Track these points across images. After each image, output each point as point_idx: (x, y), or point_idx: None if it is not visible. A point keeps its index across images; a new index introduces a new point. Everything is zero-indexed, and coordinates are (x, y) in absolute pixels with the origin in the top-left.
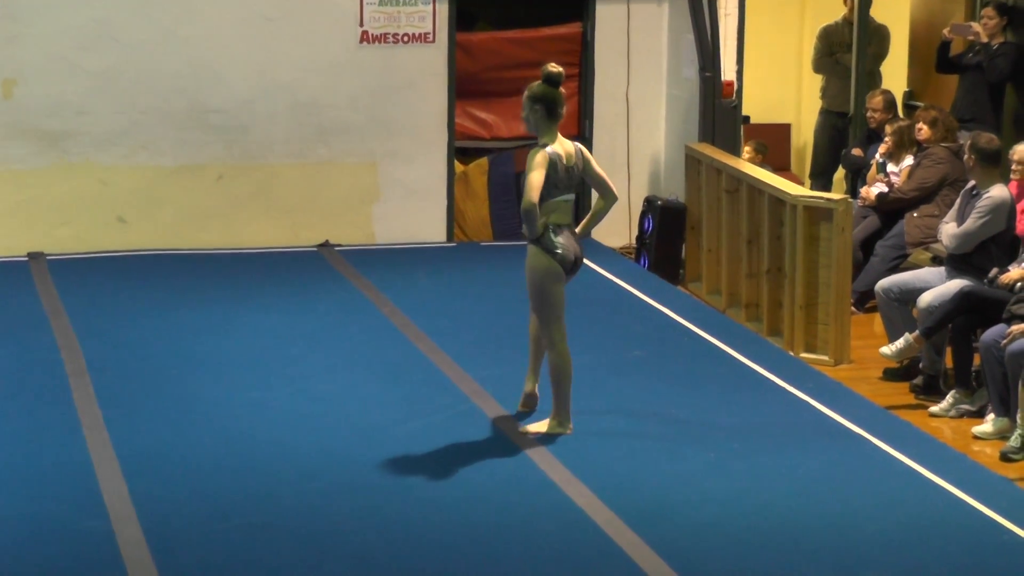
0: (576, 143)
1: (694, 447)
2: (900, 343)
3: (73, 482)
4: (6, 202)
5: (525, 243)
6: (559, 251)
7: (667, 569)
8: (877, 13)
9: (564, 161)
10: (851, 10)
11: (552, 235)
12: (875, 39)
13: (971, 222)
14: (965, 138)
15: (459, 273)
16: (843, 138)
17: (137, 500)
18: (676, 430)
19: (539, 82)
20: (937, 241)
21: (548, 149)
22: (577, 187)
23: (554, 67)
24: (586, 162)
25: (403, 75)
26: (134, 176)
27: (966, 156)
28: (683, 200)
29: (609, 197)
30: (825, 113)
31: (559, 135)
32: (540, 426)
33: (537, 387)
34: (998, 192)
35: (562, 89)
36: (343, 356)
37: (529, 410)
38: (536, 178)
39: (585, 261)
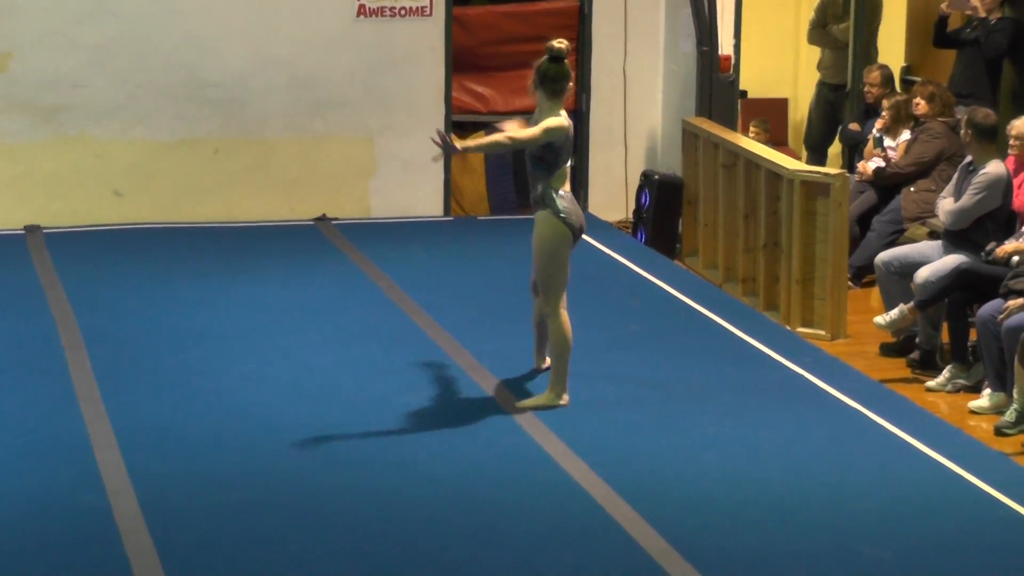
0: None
1: (690, 421)
2: (894, 313)
3: (69, 456)
4: (2, 176)
5: (521, 217)
6: (564, 215)
7: (663, 543)
8: None
9: (569, 132)
10: None
11: (559, 200)
12: (867, 10)
13: (967, 198)
14: (962, 113)
15: (456, 247)
16: (836, 111)
17: (134, 474)
18: (673, 404)
19: (545, 58)
20: (934, 216)
21: (563, 116)
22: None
23: (559, 43)
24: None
25: (400, 49)
26: (130, 150)
27: (963, 131)
28: (680, 174)
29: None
30: (820, 85)
31: (560, 106)
32: (536, 400)
33: (547, 360)
34: (994, 168)
35: (560, 66)
36: (340, 330)
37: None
38: (531, 132)
39: (583, 236)
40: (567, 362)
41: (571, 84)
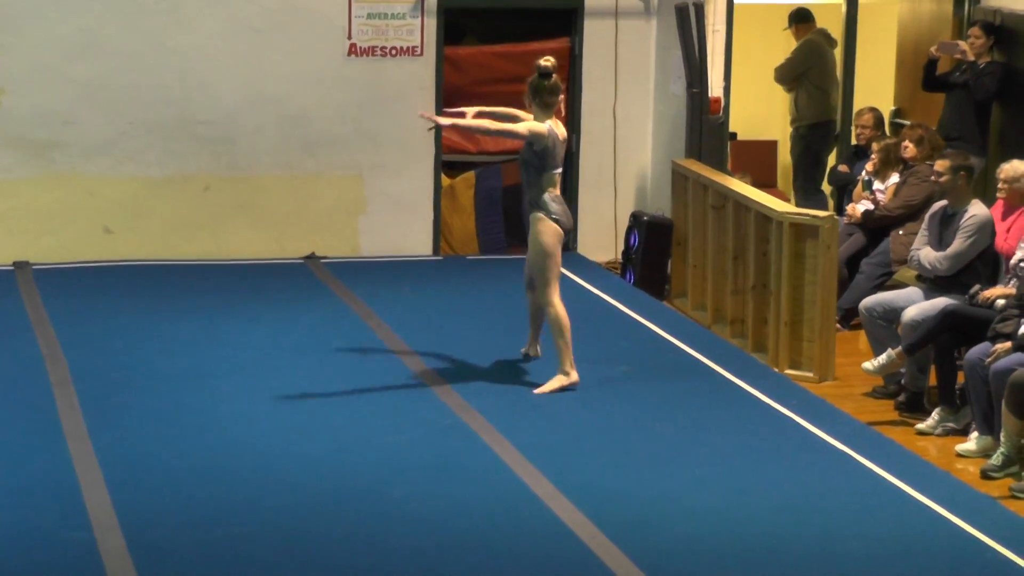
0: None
1: (678, 462)
2: (882, 358)
3: (56, 492)
4: None
5: (510, 257)
6: (555, 215)
7: None
8: (864, 29)
9: (560, 139)
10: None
11: (551, 203)
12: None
13: (960, 243)
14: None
15: (445, 287)
16: (817, 148)
17: (120, 510)
18: (660, 445)
19: (536, 75)
20: None
21: (547, 125)
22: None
23: (545, 60)
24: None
25: (391, 88)
26: (120, 186)
27: (947, 176)
28: (669, 216)
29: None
30: (800, 128)
31: (555, 119)
32: (550, 384)
33: (538, 347)
34: (980, 209)
35: (552, 80)
36: (328, 368)
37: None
38: (515, 126)
39: (571, 276)
40: (568, 342)
41: (562, 96)
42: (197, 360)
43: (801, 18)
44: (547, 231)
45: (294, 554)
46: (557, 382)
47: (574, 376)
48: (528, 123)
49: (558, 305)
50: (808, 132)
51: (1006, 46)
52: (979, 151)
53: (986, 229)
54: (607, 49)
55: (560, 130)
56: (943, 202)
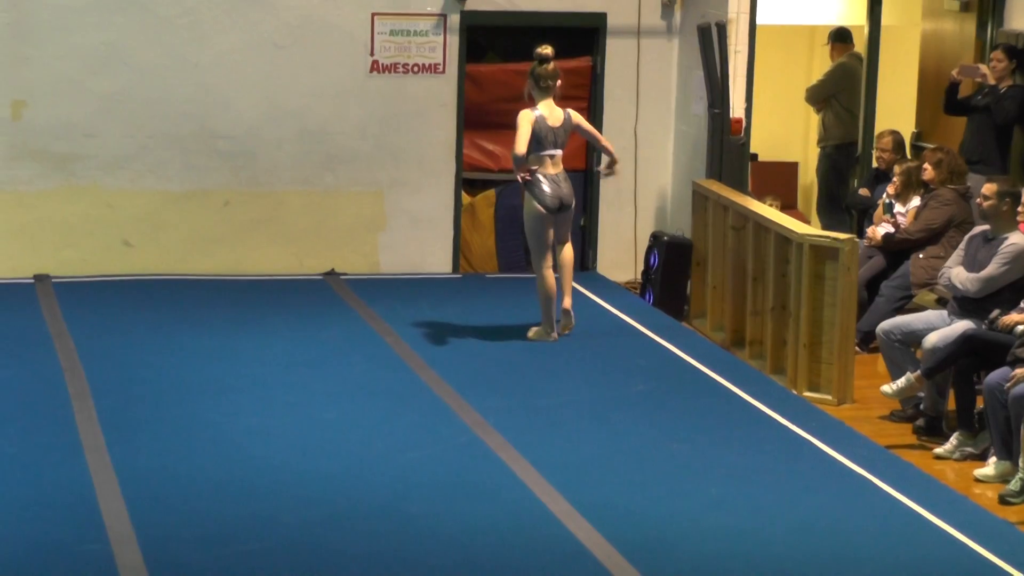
0: (568, 110)
1: (695, 483)
2: (901, 382)
3: (74, 504)
4: (13, 223)
5: (529, 276)
6: (538, 195)
7: None
8: (886, 52)
9: (549, 123)
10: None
11: (538, 182)
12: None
13: (995, 268)
14: (973, 180)
15: (464, 304)
16: (842, 170)
17: (137, 523)
18: (678, 466)
19: (535, 62)
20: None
21: (535, 112)
22: (563, 144)
23: (543, 48)
24: (576, 125)
25: (412, 105)
26: (141, 200)
27: (989, 201)
28: (689, 236)
29: (600, 144)
30: (830, 148)
31: (551, 102)
32: (534, 332)
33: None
34: (1020, 239)
35: (549, 66)
36: (346, 384)
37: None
38: (521, 134)
39: (590, 294)
40: (549, 307)
41: (559, 82)
42: (215, 374)
43: (841, 37)
44: (529, 211)
45: (311, 570)
46: (535, 333)
47: (553, 337)
48: (518, 127)
49: (543, 274)
50: (835, 152)
51: None
52: (1000, 175)
53: (1022, 259)
54: (629, 68)
55: (555, 114)
56: (985, 226)
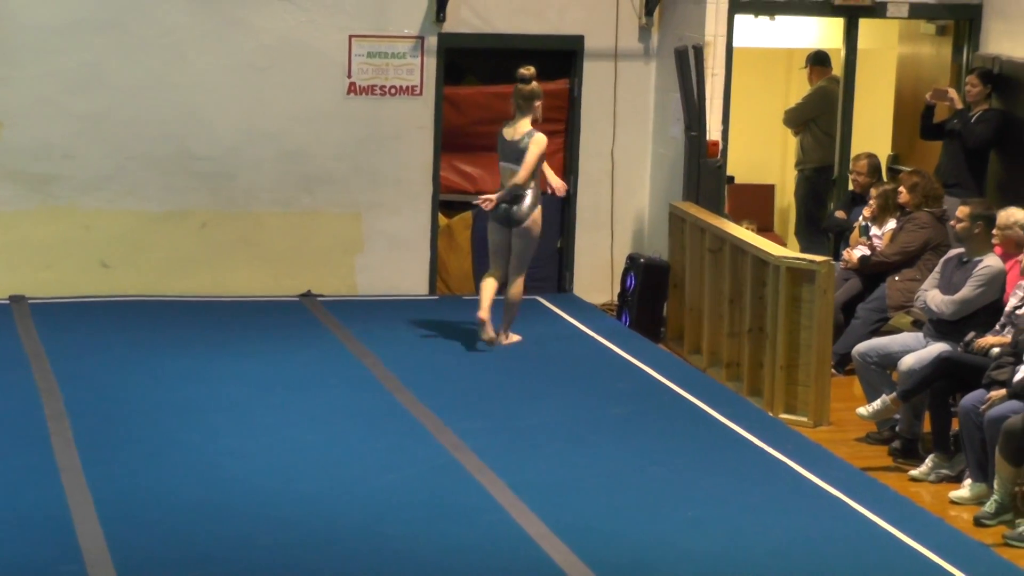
0: (534, 133)
1: (672, 506)
2: (877, 404)
3: (49, 526)
4: None
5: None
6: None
7: None
8: (863, 75)
9: (507, 137)
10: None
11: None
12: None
13: (969, 290)
14: (950, 204)
15: (440, 326)
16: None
17: (112, 545)
18: (655, 488)
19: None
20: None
21: (505, 128)
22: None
23: (525, 69)
24: (520, 149)
25: (390, 127)
26: (118, 221)
27: (964, 223)
28: (666, 258)
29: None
30: (808, 171)
31: (523, 120)
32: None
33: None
34: (995, 261)
35: (525, 86)
36: (323, 406)
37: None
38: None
39: (566, 317)
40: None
41: (537, 103)
42: (192, 396)
43: (819, 61)
44: (537, 223)
45: None
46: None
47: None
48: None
49: (482, 282)
50: (813, 175)
51: (1004, 93)
52: (976, 197)
53: (996, 281)
54: (606, 91)
55: (511, 130)
56: (960, 248)
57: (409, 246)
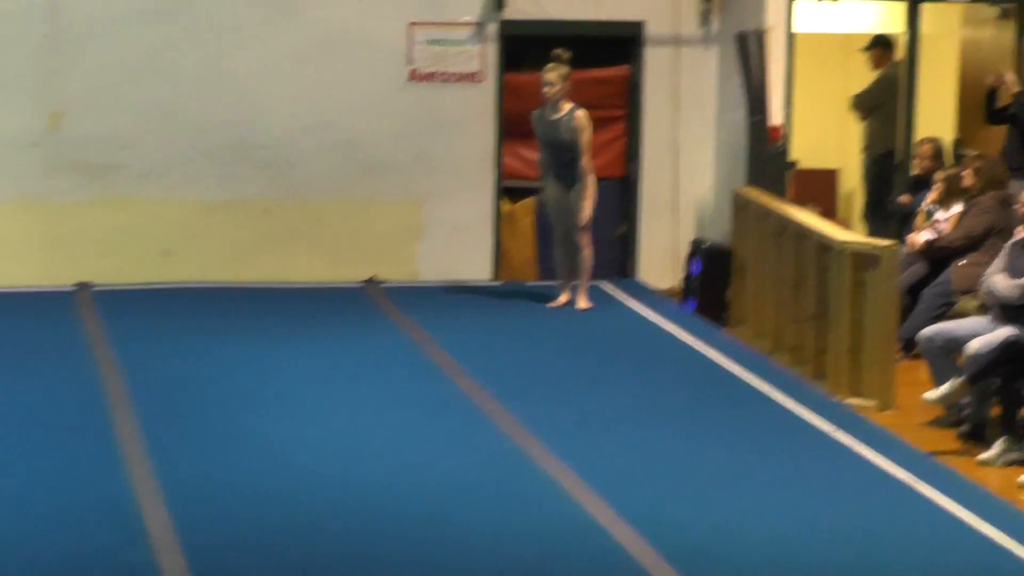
0: (576, 108)
1: (739, 489)
2: (944, 388)
3: (115, 513)
4: (52, 233)
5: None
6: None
7: None
8: (925, 60)
9: (548, 117)
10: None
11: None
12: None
13: None
14: (1015, 187)
15: (503, 312)
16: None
17: (181, 531)
18: (721, 473)
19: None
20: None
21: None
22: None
23: (562, 51)
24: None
25: (450, 114)
26: (179, 210)
27: None
28: (729, 243)
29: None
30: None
31: (554, 105)
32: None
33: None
34: None
35: (551, 73)
36: (384, 392)
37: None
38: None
39: (631, 302)
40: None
41: (555, 86)
42: (255, 383)
43: (882, 44)
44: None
45: None
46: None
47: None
48: None
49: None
50: (880, 160)
51: None
52: None
53: None
54: (667, 77)
55: (548, 114)
56: None
57: (470, 233)
